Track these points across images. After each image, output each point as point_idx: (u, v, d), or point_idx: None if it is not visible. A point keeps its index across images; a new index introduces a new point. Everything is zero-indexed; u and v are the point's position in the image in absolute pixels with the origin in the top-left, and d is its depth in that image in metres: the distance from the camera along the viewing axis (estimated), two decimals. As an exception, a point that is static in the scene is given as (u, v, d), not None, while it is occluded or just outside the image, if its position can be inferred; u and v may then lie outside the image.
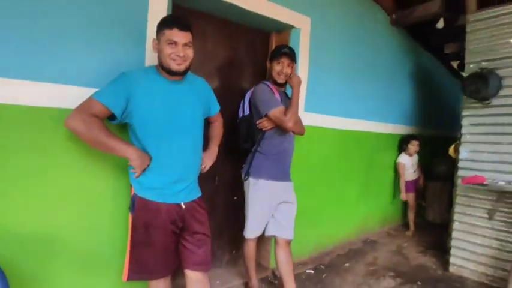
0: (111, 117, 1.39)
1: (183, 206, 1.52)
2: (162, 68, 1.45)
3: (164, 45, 1.39)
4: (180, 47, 1.40)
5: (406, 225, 4.05)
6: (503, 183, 2.41)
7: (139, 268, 1.47)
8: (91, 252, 1.62)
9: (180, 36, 1.39)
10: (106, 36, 1.59)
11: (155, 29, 1.50)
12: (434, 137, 4.48)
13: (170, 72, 1.44)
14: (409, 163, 3.80)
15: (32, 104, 1.40)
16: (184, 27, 1.40)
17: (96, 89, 1.39)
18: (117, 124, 1.47)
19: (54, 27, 1.44)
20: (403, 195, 3.74)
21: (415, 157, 3.91)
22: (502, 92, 2.55)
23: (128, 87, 1.37)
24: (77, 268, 1.58)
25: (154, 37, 1.48)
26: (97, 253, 1.64)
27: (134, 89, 1.38)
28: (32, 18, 1.38)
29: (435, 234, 3.76)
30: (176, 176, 1.49)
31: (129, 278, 1.47)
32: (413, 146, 3.76)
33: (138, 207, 1.45)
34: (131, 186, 1.50)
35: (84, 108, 1.31)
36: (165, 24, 1.41)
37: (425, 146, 4.35)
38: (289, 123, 1.86)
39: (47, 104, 1.43)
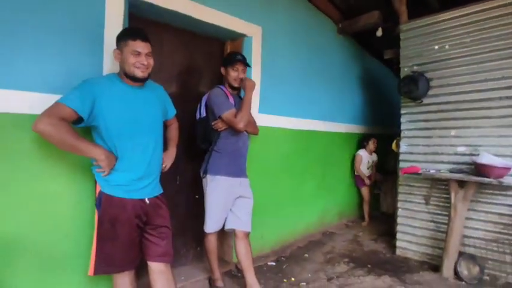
0: (76, 121, 1.48)
1: (147, 202, 1.64)
2: (126, 76, 1.58)
3: (128, 55, 1.54)
4: (143, 56, 1.57)
5: (362, 217, 4.38)
6: (433, 171, 2.75)
7: (105, 262, 1.55)
8: (56, 250, 1.67)
9: (143, 47, 1.56)
10: (64, 44, 1.68)
11: (113, 37, 1.65)
12: (384, 134, 4.88)
13: (134, 79, 1.59)
14: (365, 158, 4.21)
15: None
16: (145, 38, 1.58)
17: (57, 95, 1.48)
18: (81, 128, 1.55)
19: (11, 36, 1.51)
20: (366, 181, 4.19)
21: (374, 156, 4.36)
22: (430, 92, 2.92)
23: (93, 92, 1.48)
24: (41, 266, 1.63)
25: (114, 46, 1.61)
26: (62, 251, 1.69)
27: (98, 93, 1.50)
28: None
29: (387, 223, 4.10)
30: (140, 173, 1.61)
31: (95, 272, 1.55)
32: (373, 143, 4.26)
33: (105, 203, 1.54)
34: (96, 184, 1.59)
35: (52, 112, 1.38)
36: (128, 36, 1.56)
37: (377, 144, 4.74)
38: (240, 125, 2.04)
39: (7, 110, 1.49)
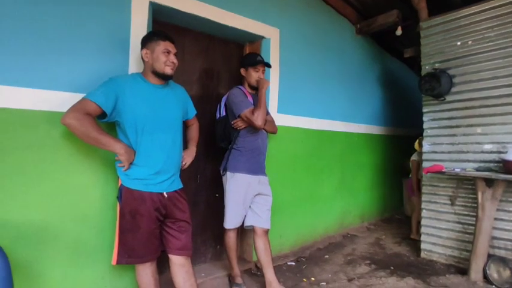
0: (101, 116, 1.58)
1: (166, 195, 1.71)
2: (155, 74, 1.69)
3: (159, 54, 1.67)
4: (172, 55, 1.70)
5: (385, 220, 4.27)
6: (458, 170, 2.66)
7: (127, 252, 1.63)
8: (82, 239, 1.77)
9: (173, 47, 1.73)
10: (94, 48, 1.80)
11: (138, 40, 1.77)
12: (406, 135, 4.78)
13: (164, 76, 1.70)
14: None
15: (27, 107, 1.58)
16: (173, 40, 1.74)
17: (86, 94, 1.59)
18: (106, 123, 1.66)
19: (48, 41, 1.64)
20: (416, 194, 3.57)
21: None
22: (453, 89, 2.84)
23: (117, 89, 1.58)
24: (69, 253, 1.73)
25: (139, 49, 1.74)
26: (88, 240, 1.79)
27: (122, 90, 1.59)
28: (26, 33, 1.58)
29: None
30: (158, 168, 1.68)
31: (118, 262, 1.63)
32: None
33: (125, 196, 1.62)
34: (118, 178, 1.68)
35: (78, 107, 1.49)
36: (159, 37, 1.70)
37: (398, 144, 4.65)
38: (258, 122, 2.08)
39: (40, 108, 1.62)
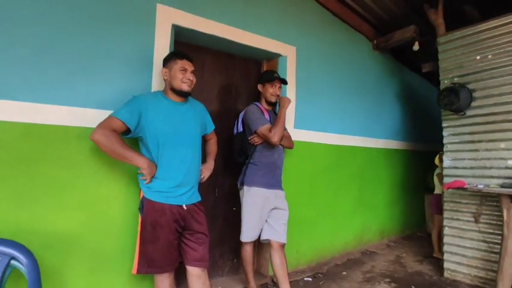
0: (125, 132, 1.69)
1: (185, 208, 1.77)
2: (173, 91, 1.80)
3: (177, 72, 1.78)
4: (189, 73, 1.81)
5: (407, 238, 4.14)
6: (481, 186, 2.59)
7: (147, 262, 1.69)
8: (105, 249, 1.86)
9: (189, 65, 1.82)
10: (120, 68, 1.94)
11: (160, 61, 1.88)
12: (427, 150, 4.67)
13: (181, 93, 1.80)
14: None
15: (58, 123, 1.72)
16: (191, 59, 1.86)
17: (112, 111, 1.71)
18: (130, 138, 1.76)
19: (77, 61, 1.79)
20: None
21: None
22: (474, 104, 2.80)
23: (140, 107, 1.69)
24: (92, 262, 1.82)
25: (161, 67, 1.84)
26: (110, 250, 1.87)
27: (145, 108, 1.70)
28: (59, 56, 1.74)
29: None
30: (178, 181, 1.75)
31: (138, 271, 1.69)
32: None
33: (147, 208, 1.70)
34: (140, 190, 1.77)
35: (105, 124, 1.61)
36: (177, 56, 1.82)
37: (419, 159, 4.56)
38: (274, 139, 2.13)
39: (71, 124, 1.76)
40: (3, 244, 1.31)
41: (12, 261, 1.30)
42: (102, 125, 1.61)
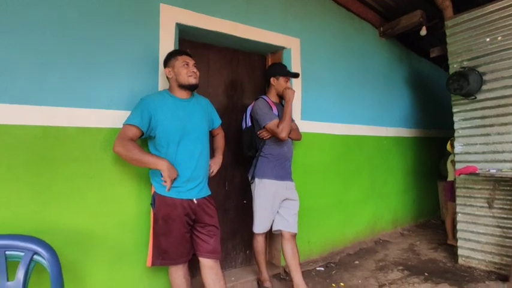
0: (141, 135, 1.75)
1: (195, 201, 1.83)
2: (182, 86, 1.85)
3: (180, 68, 1.84)
4: (192, 66, 1.86)
5: (420, 226, 4.12)
6: (494, 171, 2.55)
7: (160, 255, 1.76)
8: (121, 244, 1.93)
9: (190, 59, 1.88)
10: (128, 70, 2.00)
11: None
12: (439, 137, 4.60)
13: (190, 87, 1.86)
14: None
15: (73, 125, 1.79)
16: (190, 54, 1.91)
17: (121, 111, 1.79)
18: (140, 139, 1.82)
19: (86, 63, 1.86)
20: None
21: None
22: (484, 87, 2.74)
23: (149, 108, 1.75)
24: (110, 257, 1.90)
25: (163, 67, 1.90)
26: (126, 245, 1.95)
27: (153, 108, 1.76)
28: (71, 61, 1.80)
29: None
30: (188, 176, 1.80)
31: (152, 264, 1.77)
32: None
33: (158, 203, 1.77)
34: (152, 185, 1.83)
35: (121, 135, 1.69)
36: (176, 54, 1.89)
37: (431, 146, 4.50)
38: (282, 134, 2.15)
39: (84, 125, 1.83)
40: (27, 240, 1.40)
41: (35, 257, 1.39)
42: (119, 136, 1.69)
